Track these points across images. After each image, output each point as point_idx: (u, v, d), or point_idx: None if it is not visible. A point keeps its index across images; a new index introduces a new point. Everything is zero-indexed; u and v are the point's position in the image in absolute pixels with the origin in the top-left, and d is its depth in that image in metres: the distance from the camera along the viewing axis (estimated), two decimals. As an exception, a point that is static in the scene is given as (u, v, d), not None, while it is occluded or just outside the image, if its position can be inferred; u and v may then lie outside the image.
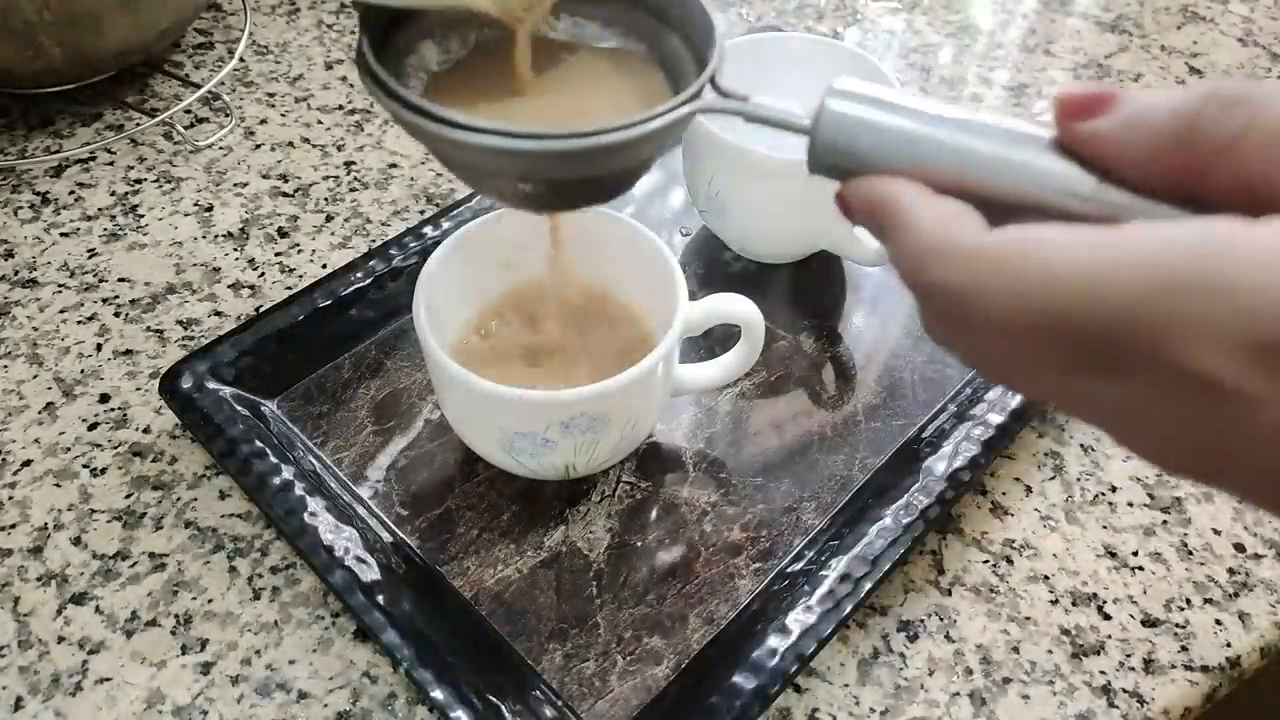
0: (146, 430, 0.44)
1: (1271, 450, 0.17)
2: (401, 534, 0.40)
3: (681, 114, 0.26)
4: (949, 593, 0.40)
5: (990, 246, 0.19)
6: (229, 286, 0.50)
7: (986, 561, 0.41)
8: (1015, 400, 0.43)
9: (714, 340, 0.47)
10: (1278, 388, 0.16)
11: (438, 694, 0.34)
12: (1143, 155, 0.19)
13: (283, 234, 0.53)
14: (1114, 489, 0.43)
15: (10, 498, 0.41)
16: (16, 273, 0.50)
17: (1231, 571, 0.41)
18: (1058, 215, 0.21)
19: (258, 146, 0.58)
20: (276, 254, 0.52)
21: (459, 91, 0.30)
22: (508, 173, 0.27)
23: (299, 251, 0.52)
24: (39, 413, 0.44)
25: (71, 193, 0.55)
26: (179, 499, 0.41)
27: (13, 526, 0.40)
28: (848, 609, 0.36)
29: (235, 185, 0.55)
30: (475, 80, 0.30)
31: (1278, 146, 0.18)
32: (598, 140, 0.24)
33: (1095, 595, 0.40)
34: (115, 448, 0.43)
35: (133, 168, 0.56)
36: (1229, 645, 0.38)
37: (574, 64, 0.31)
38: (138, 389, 0.45)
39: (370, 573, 0.37)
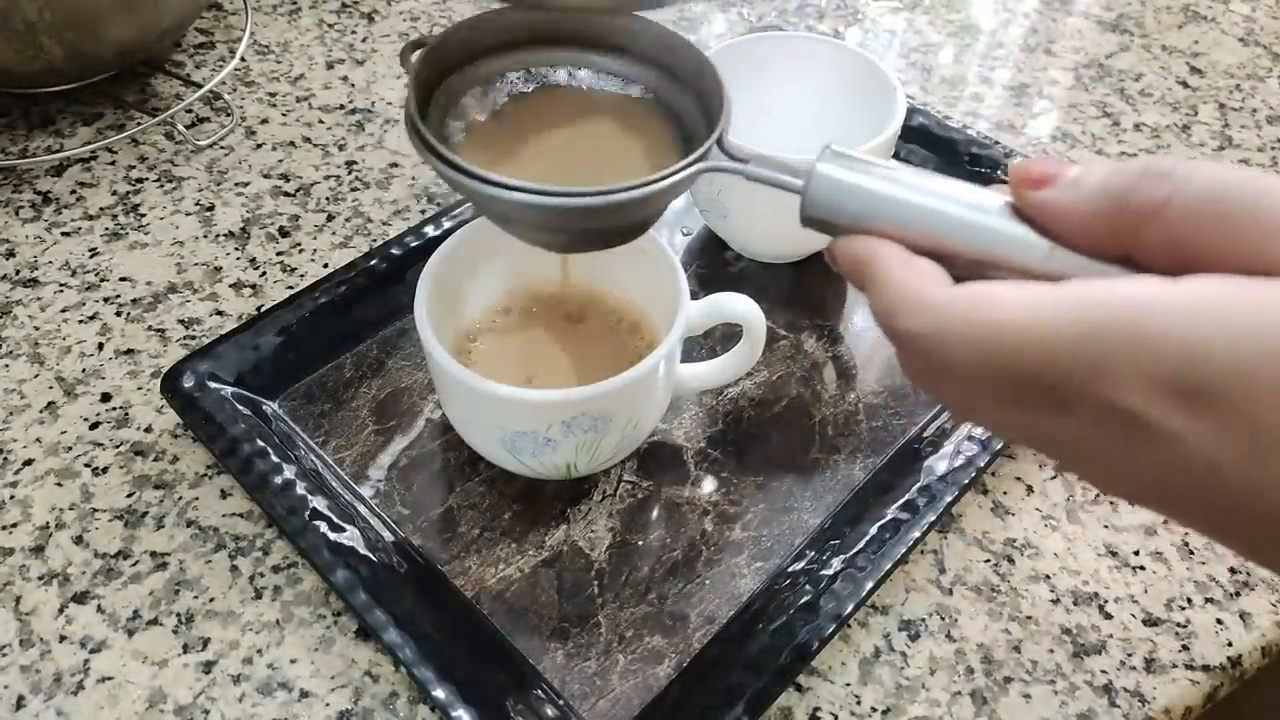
0: (148, 429, 0.44)
1: (1191, 481, 0.20)
2: (403, 533, 0.40)
3: (691, 172, 0.28)
4: (950, 592, 0.40)
5: (951, 300, 0.22)
6: (230, 286, 0.50)
7: (988, 561, 0.41)
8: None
9: (715, 340, 0.47)
10: (1192, 423, 0.19)
11: (439, 693, 0.34)
12: (1084, 221, 0.22)
13: (284, 233, 0.53)
14: (1115, 488, 0.43)
15: (12, 497, 0.41)
16: (18, 272, 0.50)
17: (1233, 570, 0.41)
18: (1018, 273, 0.23)
19: (259, 146, 0.58)
20: (278, 253, 0.52)
21: (498, 140, 0.33)
22: (537, 223, 0.30)
23: (300, 251, 0.52)
24: (40, 412, 0.44)
25: (73, 192, 0.55)
26: (180, 498, 0.41)
27: (14, 525, 0.40)
28: (849, 608, 0.36)
29: (236, 185, 0.55)
30: (513, 129, 0.34)
31: (1196, 213, 0.20)
32: (617, 197, 0.27)
33: (1096, 594, 0.40)
34: (117, 447, 0.43)
35: (134, 167, 0.56)
36: (1230, 645, 0.38)
37: (595, 113, 0.34)
38: (139, 388, 0.45)
39: (372, 572, 0.37)
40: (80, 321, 0.48)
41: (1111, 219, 0.22)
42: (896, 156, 0.57)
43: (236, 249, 0.52)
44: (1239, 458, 0.18)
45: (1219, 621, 0.39)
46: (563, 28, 0.34)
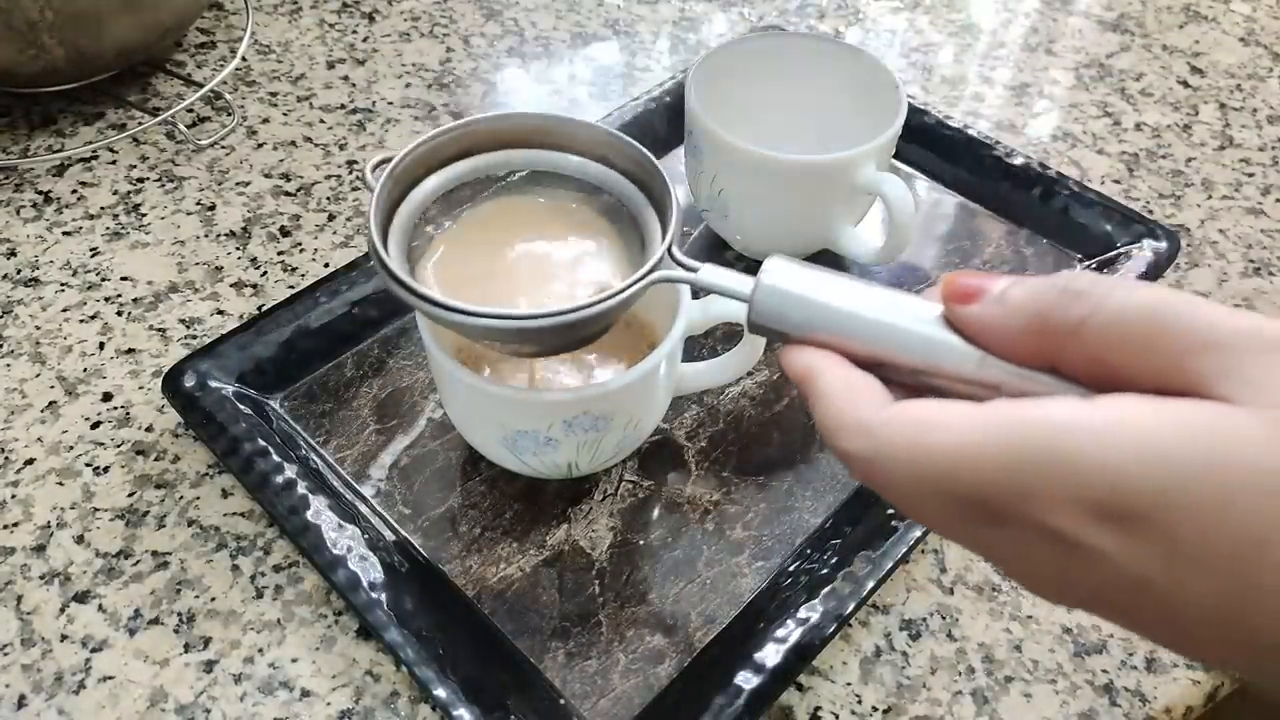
0: (149, 429, 0.44)
1: (1122, 593, 0.20)
2: (404, 532, 0.40)
3: (643, 285, 0.30)
4: (951, 591, 0.40)
5: (886, 424, 0.23)
6: (231, 285, 0.50)
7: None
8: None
9: (716, 339, 0.47)
10: (1116, 542, 0.19)
11: (440, 692, 0.34)
12: (1010, 337, 0.23)
13: (285, 233, 0.53)
14: (1116, 488, 0.43)
15: (13, 496, 0.41)
16: (19, 271, 0.50)
17: (1233, 570, 0.41)
18: (952, 379, 0.24)
19: (260, 145, 0.58)
20: (279, 253, 0.52)
21: (459, 252, 0.35)
22: (502, 339, 0.32)
23: (301, 250, 0.52)
24: (41, 411, 0.44)
25: (74, 191, 0.55)
26: (181, 497, 0.41)
27: (16, 525, 0.40)
28: (850, 607, 0.36)
29: (237, 184, 0.55)
30: (474, 239, 0.35)
31: (1113, 332, 0.21)
32: (572, 317, 0.29)
33: (1097, 594, 0.40)
34: (118, 446, 0.43)
35: (135, 167, 0.56)
36: (1231, 644, 0.38)
37: (554, 217, 0.36)
38: (140, 388, 0.45)
39: (373, 571, 0.37)
40: (81, 321, 0.48)
41: (1035, 335, 0.23)
42: (898, 156, 0.57)
43: (237, 248, 0.52)
44: (1162, 572, 0.19)
45: (1220, 621, 0.39)
46: (518, 135, 0.35)
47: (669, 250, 0.31)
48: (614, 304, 0.29)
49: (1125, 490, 0.19)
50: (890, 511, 0.39)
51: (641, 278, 0.30)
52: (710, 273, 0.29)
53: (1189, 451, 0.19)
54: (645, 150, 0.34)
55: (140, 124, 0.58)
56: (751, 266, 0.51)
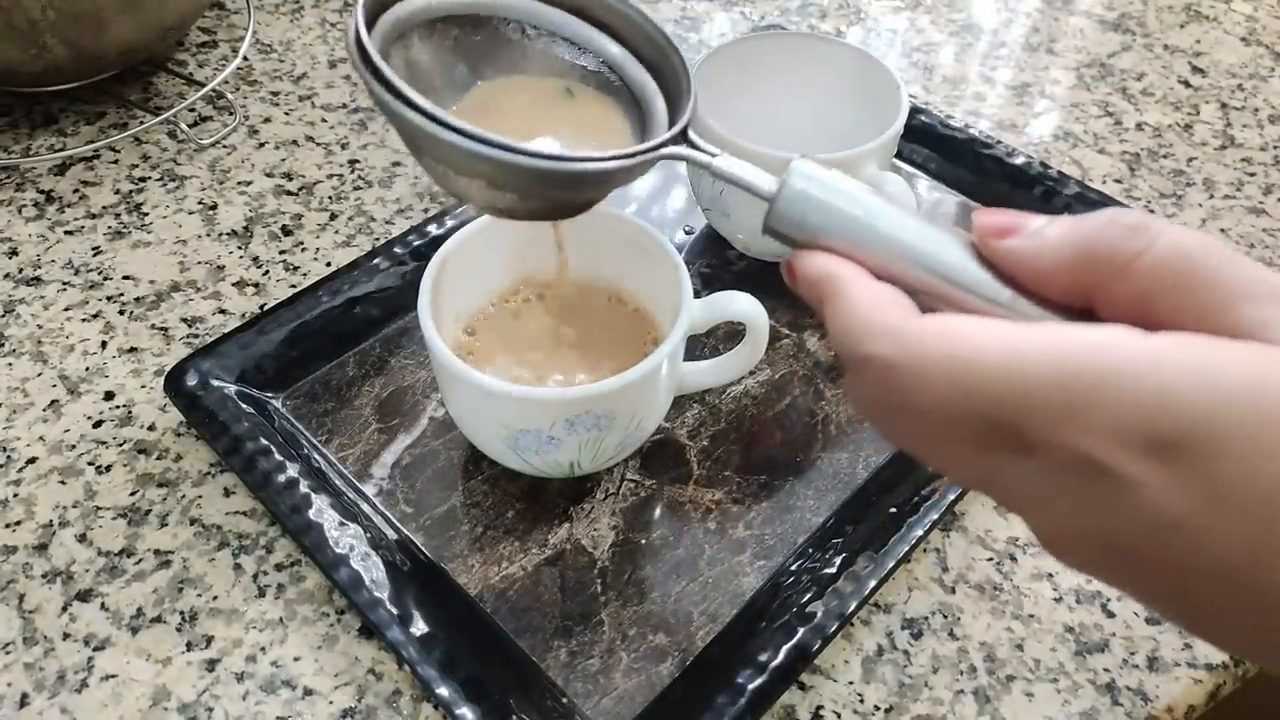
0: (151, 428, 0.44)
1: (1144, 539, 0.19)
2: (406, 531, 0.40)
3: (653, 157, 0.27)
4: (953, 590, 0.40)
5: (921, 330, 0.21)
6: (233, 284, 0.50)
7: (990, 559, 0.41)
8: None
9: (718, 338, 0.47)
10: (1155, 472, 0.18)
11: (442, 691, 0.34)
12: (1047, 271, 0.22)
13: (287, 232, 0.53)
14: (1117, 487, 0.43)
15: (15, 495, 0.41)
16: (21, 271, 0.50)
17: (1235, 569, 0.41)
18: (978, 314, 0.23)
19: (261, 145, 0.58)
20: (280, 252, 0.52)
21: (445, 92, 0.32)
22: (485, 177, 0.28)
23: (303, 250, 0.52)
24: (44, 410, 0.44)
25: (75, 191, 0.55)
26: (184, 496, 0.41)
27: (18, 523, 0.40)
28: (852, 606, 0.36)
29: (239, 184, 0.55)
30: (464, 84, 0.32)
31: (1164, 270, 0.20)
32: (582, 168, 0.26)
33: (1099, 593, 0.40)
34: (120, 445, 0.43)
35: (136, 166, 0.56)
36: (1233, 643, 0.38)
37: (559, 81, 0.33)
38: (142, 387, 0.45)
39: (375, 570, 0.37)
40: (83, 320, 0.48)
41: (1073, 272, 0.22)
42: (899, 156, 0.57)
43: (239, 248, 0.52)
44: (1196, 512, 0.18)
45: (1221, 620, 0.39)
46: None
47: (684, 133, 0.28)
48: (618, 167, 0.26)
49: (1177, 419, 0.18)
50: (892, 511, 0.39)
51: (653, 148, 0.27)
52: (730, 160, 0.27)
53: (1247, 382, 0.18)
54: (661, 28, 0.31)
55: (142, 123, 0.58)
56: (753, 265, 0.51)
